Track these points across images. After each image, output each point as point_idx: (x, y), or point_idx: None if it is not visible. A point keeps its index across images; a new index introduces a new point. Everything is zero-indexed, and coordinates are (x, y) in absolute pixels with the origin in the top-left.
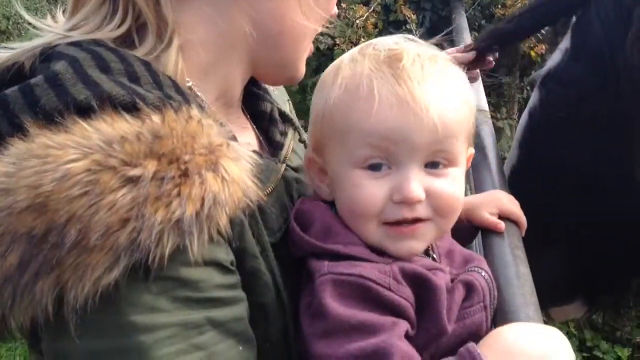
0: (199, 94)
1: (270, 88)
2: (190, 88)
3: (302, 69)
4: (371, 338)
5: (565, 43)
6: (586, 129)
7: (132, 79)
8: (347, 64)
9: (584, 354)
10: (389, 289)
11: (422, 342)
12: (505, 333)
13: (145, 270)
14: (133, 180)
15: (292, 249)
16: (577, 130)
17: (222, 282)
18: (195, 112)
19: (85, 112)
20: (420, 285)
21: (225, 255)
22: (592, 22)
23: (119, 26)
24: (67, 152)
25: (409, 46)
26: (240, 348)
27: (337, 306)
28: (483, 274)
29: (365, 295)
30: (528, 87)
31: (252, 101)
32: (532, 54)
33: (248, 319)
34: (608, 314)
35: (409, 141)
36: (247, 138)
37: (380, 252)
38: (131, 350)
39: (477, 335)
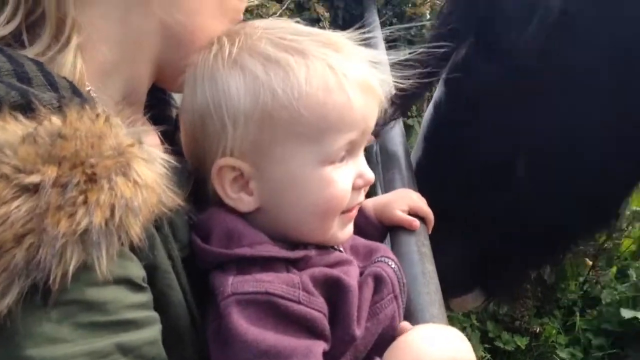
0: (97, 100)
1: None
2: (88, 92)
3: None
4: None
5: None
6: (486, 121)
7: (22, 79)
8: (278, 53)
9: (486, 345)
10: (299, 302)
11: (338, 350)
12: (410, 342)
13: (44, 293)
14: (29, 189)
15: (197, 263)
16: (478, 122)
17: (133, 301)
18: (101, 110)
19: None
20: (333, 288)
21: (137, 270)
22: (495, 15)
23: (7, 23)
24: None
25: (309, 28)
26: None
27: (244, 331)
28: (390, 263)
29: (275, 313)
30: (436, 85)
31: (157, 107)
32: None
33: (162, 342)
34: (504, 303)
35: (370, 125)
36: (153, 144)
37: (292, 245)
38: None
39: (391, 327)
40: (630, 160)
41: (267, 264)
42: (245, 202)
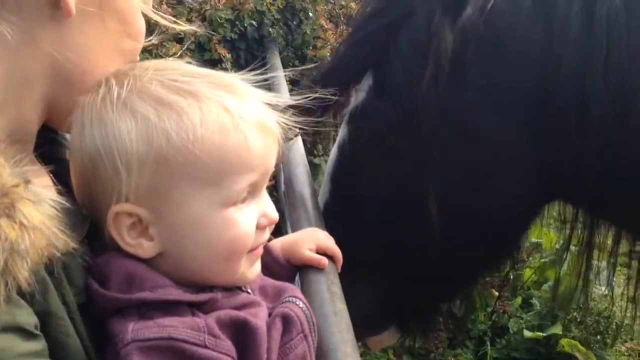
0: None
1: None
2: None
3: None
4: None
5: (368, 80)
6: (389, 161)
7: None
8: (170, 96)
9: None
10: (205, 347)
11: None
12: None
13: None
14: None
15: (93, 309)
16: (381, 163)
17: (25, 350)
18: None
19: None
20: (240, 331)
21: (27, 317)
22: (392, 60)
23: None
24: None
25: (201, 69)
26: None
27: None
28: (298, 302)
29: (180, 359)
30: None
31: (46, 146)
32: None
33: None
34: (418, 338)
35: (270, 165)
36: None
37: (197, 288)
38: None
39: None
40: (530, 198)
41: (170, 308)
42: (145, 248)
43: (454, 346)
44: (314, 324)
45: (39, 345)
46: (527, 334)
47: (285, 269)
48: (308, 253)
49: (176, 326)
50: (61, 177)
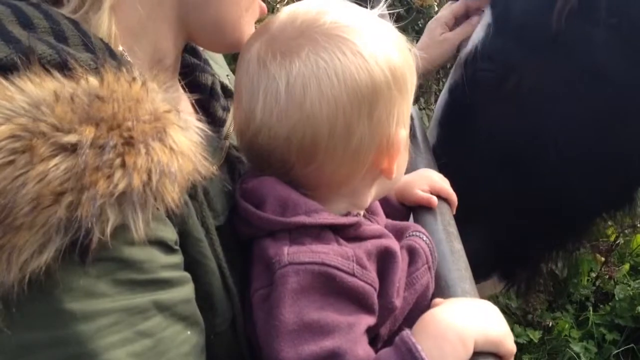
0: (132, 64)
1: (211, 59)
2: (122, 55)
3: (246, 33)
4: (325, 340)
5: (486, 19)
6: (510, 103)
7: (59, 38)
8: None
9: None
10: (353, 275)
11: (380, 319)
12: (439, 315)
13: (82, 251)
14: (67, 148)
15: (243, 231)
16: (501, 104)
17: (167, 262)
18: (137, 73)
19: (6, 72)
20: (383, 258)
21: (170, 234)
22: None
23: None
24: None
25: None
26: (189, 332)
27: (291, 303)
28: (422, 236)
29: (329, 284)
30: (444, 80)
31: (191, 72)
32: None
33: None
34: (521, 290)
35: None
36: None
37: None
38: (69, 342)
39: (424, 296)
40: None
41: (319, 234)
42: None
43: (553, 309)
44: (435, 258)
45: (178, 258)
46: None
47: (397, 210)
48: (420, 193)
49: (328, 253)
50: (201, 103)
